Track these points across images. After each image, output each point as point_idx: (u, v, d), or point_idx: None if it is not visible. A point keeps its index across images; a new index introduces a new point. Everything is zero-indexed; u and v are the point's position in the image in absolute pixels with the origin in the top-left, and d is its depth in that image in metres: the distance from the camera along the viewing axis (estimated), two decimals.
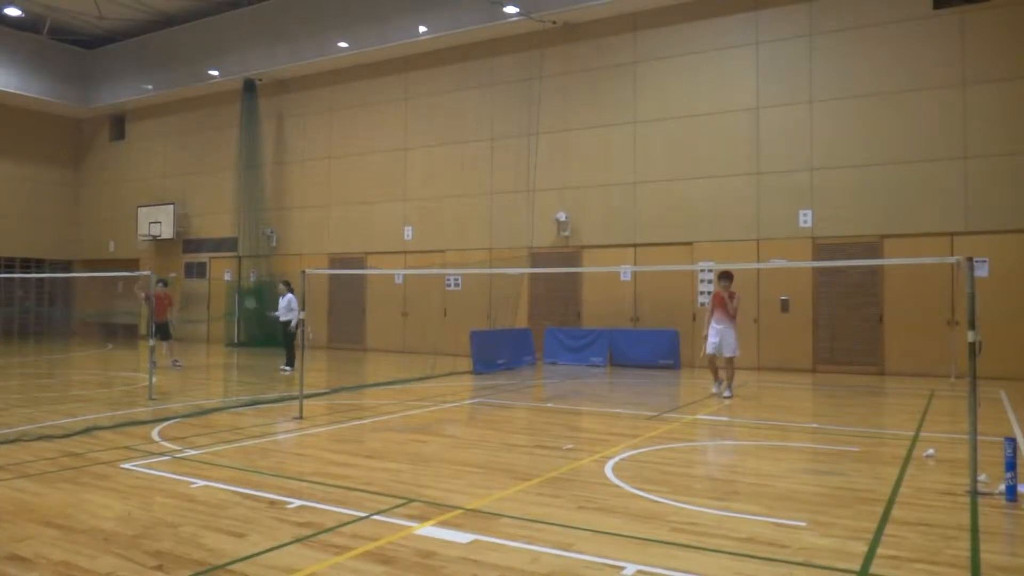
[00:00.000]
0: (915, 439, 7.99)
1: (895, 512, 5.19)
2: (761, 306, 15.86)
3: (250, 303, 16.71)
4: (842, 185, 15.34)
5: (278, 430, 8.52)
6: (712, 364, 11.65)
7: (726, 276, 11.51)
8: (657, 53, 17.38)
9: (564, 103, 18.43)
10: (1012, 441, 5.61)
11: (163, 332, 15.91)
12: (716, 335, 11.38)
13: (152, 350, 13.40)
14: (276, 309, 15.52)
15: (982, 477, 5.76)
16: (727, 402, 10.97)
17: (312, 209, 22.44)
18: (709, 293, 16.17)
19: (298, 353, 10.73)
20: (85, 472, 6.28)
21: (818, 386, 13.36)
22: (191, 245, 25.00)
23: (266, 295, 21.83)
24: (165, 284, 16.69)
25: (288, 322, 14.83)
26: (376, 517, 5.02)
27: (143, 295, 16.46)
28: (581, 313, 18.05)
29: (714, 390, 11.60)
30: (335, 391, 12.04)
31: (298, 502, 5.38)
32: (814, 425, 9.34)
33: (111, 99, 26.28)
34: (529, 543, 4.48)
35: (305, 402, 9.50)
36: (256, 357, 18.94)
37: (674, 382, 13.96)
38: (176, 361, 16.03)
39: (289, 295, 14.82)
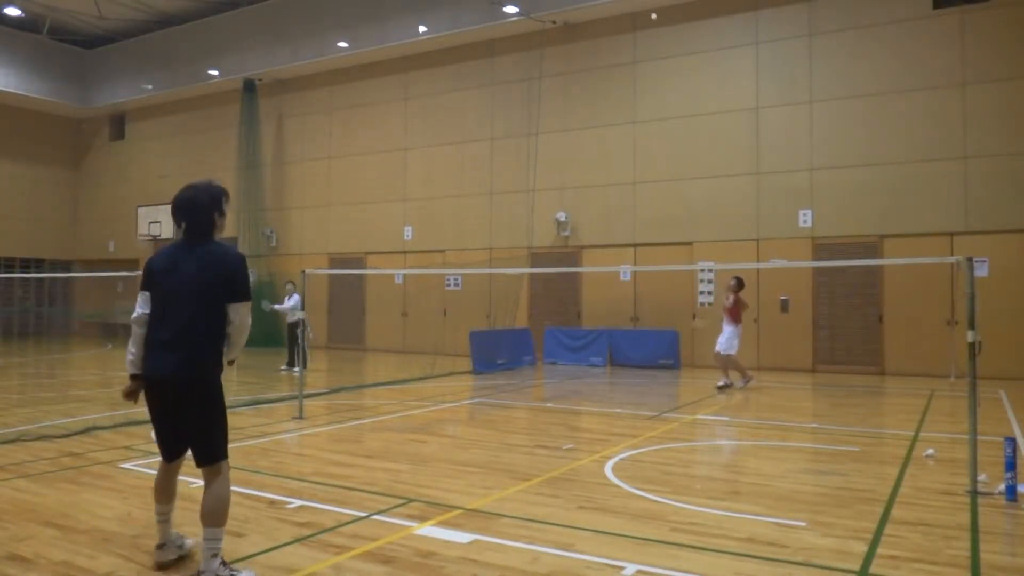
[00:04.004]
0: (915, 439, 7.99)
1: (895, 512, 5.20)
2: (761, 306, 15.85)
3: (267, 305, 16.89)
4: (842, 185, 15.34)
5: (278, 430, 8.52)
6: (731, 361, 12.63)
7: (740, 283, 12.70)
8: (657, 53, 17.38)
9: (564, 103, 18.43)
10: (1012, 441, 5.61)
11: None
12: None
13: None
14: (273, 302, 15.86)
15: (982, 477, 5.76)
16: (739, 392, 12.02)
17: (312, 209, 22.44)
18: (709, 293, 16.27)
19: (299, 352, 10.73)
20: (85, 472, 6.28)
21: (818, 386, 13.36)
22: None
23: (266, 295, 21.83)
24: None
25: (295, 323, 14.88)
26: (376, 517, 5.02)
27: None
28: (581, 313, 18.05)
29: (739, 385, 12.59)
30: (335, 391, 12.05)
31: (298, 502, 5.38)
32: (814, 425, 9.34)
33: (111, 99, 26.28)
34: (529, 543, 4.48)
35: (305, 402, 9.51)
36: (256, 357, 18.93)
37: (674, 382, 13.96)
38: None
39: (296, 296, 14.86)
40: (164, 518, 4.07)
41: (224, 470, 3.96)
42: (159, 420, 3.98)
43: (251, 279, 4.18)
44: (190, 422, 3.90)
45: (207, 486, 3.91)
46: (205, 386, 3.88)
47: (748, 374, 12.74)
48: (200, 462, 3.94)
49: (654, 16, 16.94)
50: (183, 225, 4.02)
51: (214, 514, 3.85)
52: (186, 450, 4.06)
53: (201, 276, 3.86)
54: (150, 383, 3.87)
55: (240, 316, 3.92)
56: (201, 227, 4.02)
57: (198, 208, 4.02)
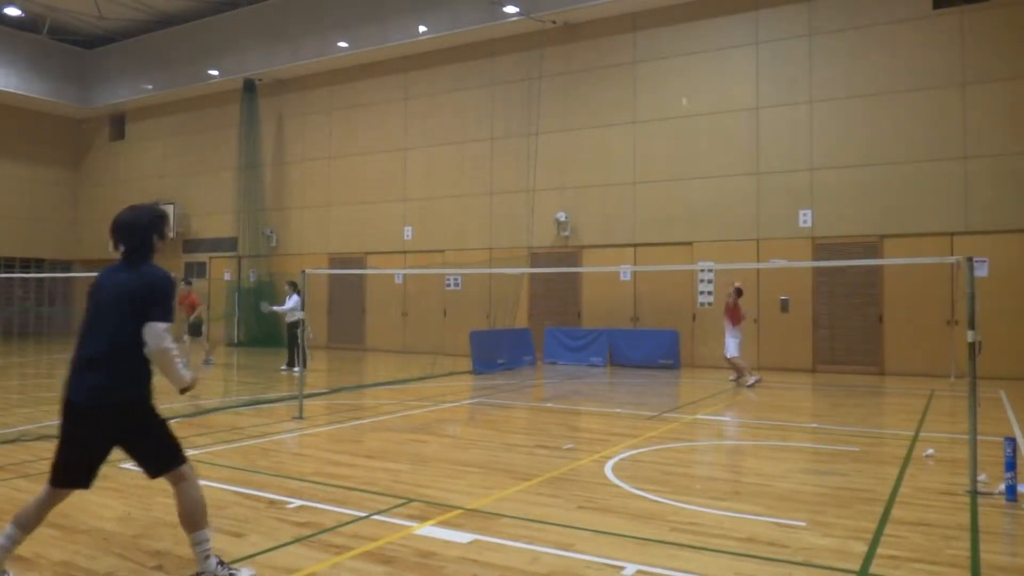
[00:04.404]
0: (915, 439, 7.99)
1: (895, 512, 5.20)
2: (761, 306, 15.86)
3: (265, 307, 16.93)
4: (842, 185, 15.34)
5: (278, 430, 8.52)
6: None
7: (738, 292, 13.47)
8: (657, 53, 17.38)
9: (564, 103, 18.43)
10: (1012, 441, 5.62)
11: (195, 330, 16.25)
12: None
13: (189, 350, 14.98)
14: (274, 304, 15.89)
15: (982, 477, 5.76)
16: (748, 389, 12.61)
17: (312, 209, 22.44)
18: (709, 293, 16.27)
19: (299, 353, 10.73)
20: None
21: (818, 386, 13.36)
22: (191, 245, 25.00)
23: (266, 295, 21.85)
24: (189, 283, 17.03)
25: (295, 323, 14.87)
26: (376, 517, 5.02)
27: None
28: (581, 313, 18.05)
29: (732, 378, 13.46)
30: (335, 391, 12.05)
31: (298, 502, 5.38)
32: (814, 425, 9.34)
33: (111, 99, 26.28)
34: (529, 543, 4.48)
35: (305, 402, 9.50)
36: (256, 357, 18.94)
37: (674, 382, 13.96)
38: (209, 359, 16.44)
39: (296, 296, 14.85)
40: (11, 545, 3.71)
41: (187, 473, 3.80)
42: (68, 442, 3.72)
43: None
44: (127, 447, 3.75)
45: (176, 494, 3.78)
46: (128, 411, 3.70)
47: (748, 374, 13.16)
48: (153, 474, 3.79)
49: (685, 101, 16.88)
50: (120, 247, 3.87)
51: (193, 517, 3.76)
52: (81, 484, 3.79)
53: (127, 295, 3.72)
54: (69, 406, 3.68)
55: (153, 338, 3.64)
56: (138, 250, 3.88)
57: (136, 229, 3.88)
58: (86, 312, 3.87)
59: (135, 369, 3.72)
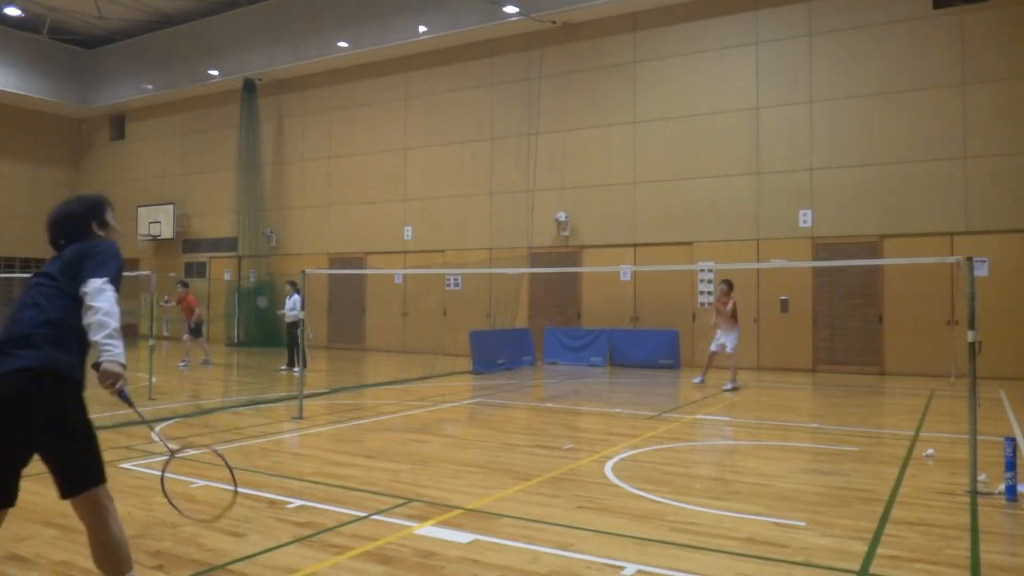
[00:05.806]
0: (915, 439, 7.99)
1: (895, 512, 5.19)
2: (761, 306, 15.86)
3: (262, 302, 16.94)
4: (842, 185, 15.34)
5: (278, 430, 8.52)
6: (711, 360, 12.92)
7: (729, 283, 12.72)
8: (657, 53, 17.38)
9: (564, 103, 18.42)
10: (1012, 441, 5.61)
11: (195, 331, 16.28)
12: (720, 336, 12.63)
13: (188, 349, 15.10)
14: (282, 308, 15.88)
15: (982, 477, 5.76)
16: (728, 394, 11.92)
17: (312, 209, 22.44)
18: (709, 293, 16.26)
19: (299, 353, 10.73)
20: None
21: (818, 386, 13.36)
22: (191, 245, 25.00)
23: (266, 294, 21.85)
24: (186, 285, 17.03)
25: (295, 323, 14.85)
26: (376, 517, 5.02)
27: (172, 303, 16.87)
28: (581, 313, 18.04)
29: (696, 380, 12.99)
30: (335, 391, 12.05)
31: (298, 502, 5.38)
32: (814, 425, 9.34)
33: (111, 99, 26.28)
34: (529, 543, 4.48)
35: (305, 402, 9.50)
36: (256, 357, 18.94)
37: (674, 382, 13.95)
38: (208, 359, 16.44)
39: (296, 296, 14.84)
40: None
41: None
42: None
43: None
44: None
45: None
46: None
47: (705, 373, 13.14)
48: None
49: None
50: (61, 241, 3.48)
51: (111, 560, 3.12)
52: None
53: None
54: None
55: None
56: (75, 239, 3.47)
57: (70, 219, 3.51)
58: None
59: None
